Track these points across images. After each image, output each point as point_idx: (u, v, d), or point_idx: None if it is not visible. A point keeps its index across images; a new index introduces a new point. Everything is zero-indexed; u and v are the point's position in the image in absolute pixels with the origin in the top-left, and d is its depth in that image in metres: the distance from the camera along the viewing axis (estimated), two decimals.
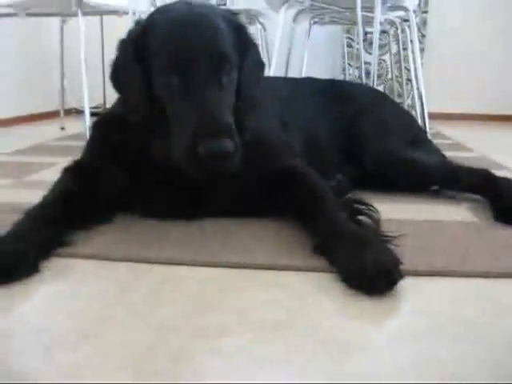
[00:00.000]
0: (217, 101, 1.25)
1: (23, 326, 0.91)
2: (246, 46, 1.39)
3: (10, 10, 3.06)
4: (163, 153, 1.33)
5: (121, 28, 1.40)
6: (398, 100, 3.88)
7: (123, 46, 1.37)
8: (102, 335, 0.86)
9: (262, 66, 1.50)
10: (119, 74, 1.39)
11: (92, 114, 2.97)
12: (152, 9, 3.48)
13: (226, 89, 1.30)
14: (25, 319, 0.93)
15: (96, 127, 1.54)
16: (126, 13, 3.14)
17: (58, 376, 0.76)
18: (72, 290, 1.05)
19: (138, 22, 1.39)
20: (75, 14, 2.94)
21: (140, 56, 1.31)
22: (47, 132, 3.60)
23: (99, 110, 4.39)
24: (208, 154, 1.19)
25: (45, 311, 0.97)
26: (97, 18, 4.36)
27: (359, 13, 2.71)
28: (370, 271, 1.00)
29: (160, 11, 1.38)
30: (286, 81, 2.11)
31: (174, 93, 1.27)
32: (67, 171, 1.48)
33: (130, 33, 1.37)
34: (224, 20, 1.35)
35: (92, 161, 1.48)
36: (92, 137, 1.54)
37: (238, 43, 1.36)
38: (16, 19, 3.13)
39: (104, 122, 1.52)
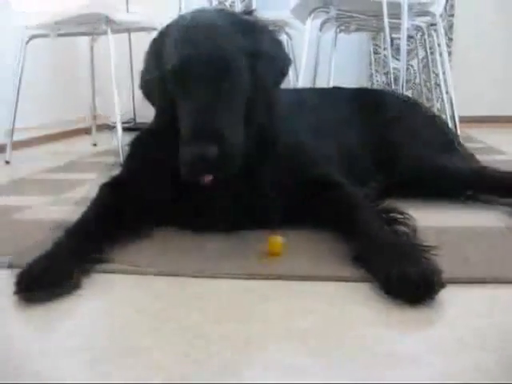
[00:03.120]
0: (208, 106, 1.26)
1: (68, 341, 0.92)
2: (258, 46, 1.36)
3: (42, 31, 3.13)
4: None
5: (148, 44, 1.45)
6: (426, 105, 3.85)
7: (146, 56, 1.45)
8: (147, 350, 0.88)
9: (281, 61, 1.46)
10: (146, 84, 1.46)
11: (123, 130, 3.01)
12: None
13: (228, 94, 1.29)
14: (70, 334, 0.95)
15: (134, 144, 1.57)
16: (154, 29, 3.18)
17: None
18: (114, 306, 1.07)
19: (159, 33, 1.44)
20: (105, 33, 2.99)
21: (159, 66, 1.37)
22: (80, 149, 3.66)
23: (129, 125, 4.46)
24: (188, 159, 1.22)
25: (89, 327, 0.99)
26: (125, 35, 4.43)
27: (386, 20, 2.71)
28: (411, 281, 1.00)
29: (174, 22, 1.41)
30: (316, 91, 2.12)
31: (180, 102, 1.31)
32: (105, 187, 1.51)
33: (151, 45, 1.44)
34: (233, 25, 1.35)
35: (130, 176, 1.51)
36: (130, 153, 1.57)
37: (250, 45, 1.35)
38: (47, 39, 3.20)
39: (141, 139, 1.55)
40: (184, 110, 1.29)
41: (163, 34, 1.40)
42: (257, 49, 1.36)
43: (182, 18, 1.41)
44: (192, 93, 1.27)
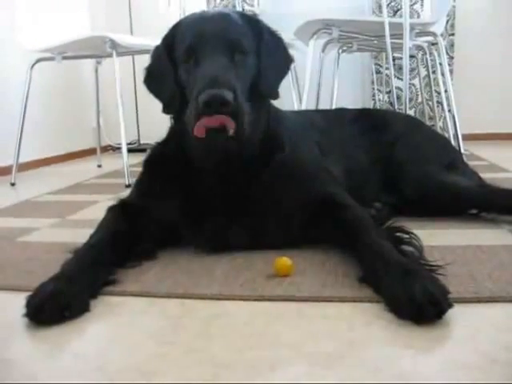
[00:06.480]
0: (222, 67, 1.31)
1: (79, 364, 0.93)
2: (260, 38, 1.45)
3: (48, 55, 3.16)
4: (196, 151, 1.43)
5: None
6: (429, 123, 3.87)
7: (157, 50, 1.51)
8: (158, 373, 0.88)
9: (284, 58, 1.53)
10: (154, 77, 1.51)
11: (127, 151, 3.02)
12: None
13: (239, 66, 1.36)
14: (80, 358, 0.95)
15: (145, 166, 1.59)
16: None
17: None
18: (124, 328, 1.08)
19: (169, 29, 1.50)
20: (110, 56, 3.02)
21: (171, 55, 1.45)
22: (85, 170, 3.68)
23: (133, 146, 4.49)
24: (205, 101, 1.22)
25: (99, 350, 0.99)
26: (129, 57, 4.47)
27: (388, 41, 2.74)
28: (419, 301, 1.00)
29: (184, 18, 1.51)
30: (321, 113, 2.14)
31: (190, 73, 1.36)
32: (112, 210, 1.52)
33: (162, 40, 1.50)
34: (241, 17, 1.45)
35: (140, 199, 1.53)
36: (142, 176, 1.59)
37: (255, 38, 1.44)
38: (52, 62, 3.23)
39: (152, 160, 1.57)
40: (198, 80, 1.31)
41: (175, 28, 1.48)
42: (260, 42, 1.45)
43: (190, 15, 1.49)
44: (207, 62, 1.32)
